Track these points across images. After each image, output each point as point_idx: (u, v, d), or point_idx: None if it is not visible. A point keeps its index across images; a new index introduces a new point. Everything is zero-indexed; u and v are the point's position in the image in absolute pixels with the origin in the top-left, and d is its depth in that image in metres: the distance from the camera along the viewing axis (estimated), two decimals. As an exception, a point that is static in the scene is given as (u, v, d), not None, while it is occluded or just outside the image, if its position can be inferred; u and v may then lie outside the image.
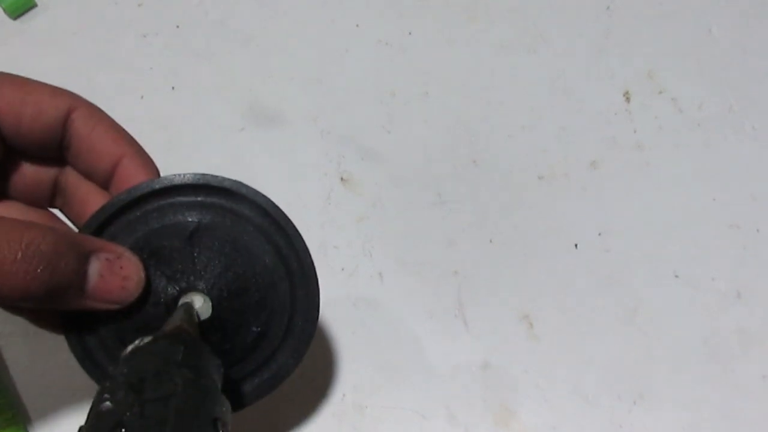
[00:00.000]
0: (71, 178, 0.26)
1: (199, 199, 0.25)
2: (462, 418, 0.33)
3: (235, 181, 0.25)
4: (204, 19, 0.43)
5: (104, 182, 0.25)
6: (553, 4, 0.44)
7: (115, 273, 0.22)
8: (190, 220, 0.25)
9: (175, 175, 0.25)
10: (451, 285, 0.36)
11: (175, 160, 0.39)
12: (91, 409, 0.18)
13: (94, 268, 0.21)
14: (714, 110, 0.41)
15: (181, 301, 0.24)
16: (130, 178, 0.24)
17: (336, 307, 0.36)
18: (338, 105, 0.41)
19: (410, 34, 0.43)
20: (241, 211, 0.25)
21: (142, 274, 0.23)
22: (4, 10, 0.42)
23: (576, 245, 0.37)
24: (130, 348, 0.20)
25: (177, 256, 0.24)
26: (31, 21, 0.42)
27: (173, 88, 0.41)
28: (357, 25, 0.43)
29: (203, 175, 0.25)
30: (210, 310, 0.24)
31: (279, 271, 0.25)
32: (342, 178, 0.39)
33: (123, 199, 0.24)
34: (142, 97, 0.40)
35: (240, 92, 0.41)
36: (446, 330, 0.35)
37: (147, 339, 0.20)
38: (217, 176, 0.25)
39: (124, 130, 0.25)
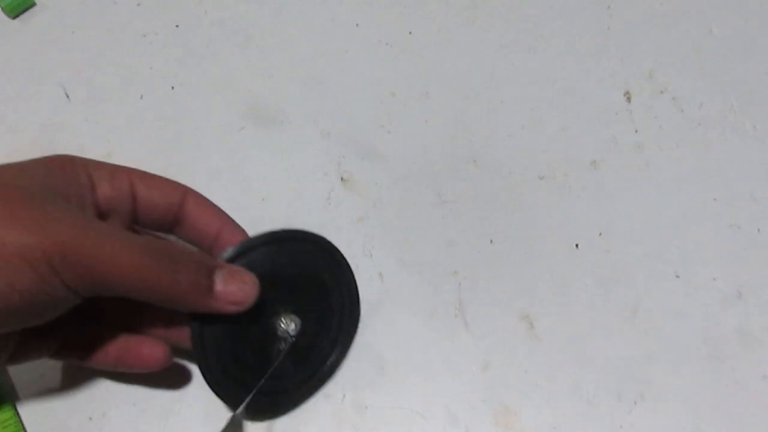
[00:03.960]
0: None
1: (287, 245, 0.33)
2: (462, 418, 0.33)
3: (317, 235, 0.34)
4: (204, 19, 0.43)
5: (208, 247, 0.32)
6: (553, 4, 0.44)
7: (236, 279, 0.29)
8: (282, 261, 0.32)
9: (271, 231, 0.32)
10: (451, 285, 0.36)
11: (176, 160, 0.39)
12: None
13: (220, 276, 0.28)
14: (715, 110, 0.41)
15: (278, 322, 0.32)
16: (231, 240, 0.31)
17: (336, 307, 0.36)
18: (338, 105, 0.41)
19: (410, 34, 0.43)
20: (321, 256, 0.34)
21: (257, 281, 0.29)
22: (3, 9, 0.42)
23: (576, 245, 0.37)
24: None
25: (272, 287, 0.31)
26: (30, 20, 0.42)
27: (173, 88, 0.41)
28: (357, 25, 0.43)
29: (298, 230, 0.33)
30: (300, 326, 0.32)
31: (342, 307, 0.34)
32: (342, 178, 0.39)
33: (234, 249, 0.31)
34: (141, 97, 0.40)
35: (240, 92, 0.41)
36: (446, 330, 0.35)
37: None
38: (307, 232, 0.34)
39: (222, 210, 0.32)
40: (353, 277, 0.34)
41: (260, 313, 0.31)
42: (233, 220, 0.32)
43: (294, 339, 0.32)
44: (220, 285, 0.28)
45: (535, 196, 0.39)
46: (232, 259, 0.31)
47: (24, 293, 0.24)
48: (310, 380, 0.33)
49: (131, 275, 0.25)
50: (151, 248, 0.26)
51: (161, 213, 0.30)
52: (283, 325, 0.32)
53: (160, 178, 0.31)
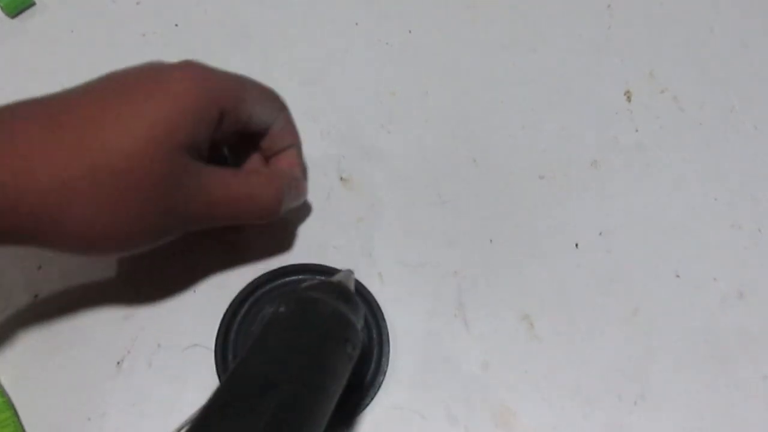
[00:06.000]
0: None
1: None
2: (462, 418, 0.33)
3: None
4: (203, 18, 0.43)
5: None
6: (553, 3, 0.44)
7: (293, 196, 0.34)
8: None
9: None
10: (451, 285, 0.36)
11: (175, 160, 0.39)
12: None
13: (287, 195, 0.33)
14: (716, 110, 0.41)
15: None
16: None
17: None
18: (338, 105, 0.41)
19: (410, 33, 0.43)
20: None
21: (306, 189, 0.36)
22: (3, 9, 0.42)
23: (577, 245, 0.37)
24: (306, 283, 0.29)
25: None
26: (29, 19, 0.42)
27: (173, 87, 0.41)
28: (357, 24, 0.43)
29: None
30: None
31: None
32: (342, 178, 0.39)
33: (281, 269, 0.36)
34: (141, 96, 0.40)
35: (240, 92, 0.41)
36: (446, 330, 0.35)
37: (316, 280, 0.31)
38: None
39: (296, 134, 0.36)
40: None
41: None
42: (299, 143, 0.35)
43: None
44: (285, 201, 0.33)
45: (535, 196, 0.39)
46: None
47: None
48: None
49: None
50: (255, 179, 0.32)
51: (254, 132, 0.33)
52: None
53: (265, 97, 0.34)
